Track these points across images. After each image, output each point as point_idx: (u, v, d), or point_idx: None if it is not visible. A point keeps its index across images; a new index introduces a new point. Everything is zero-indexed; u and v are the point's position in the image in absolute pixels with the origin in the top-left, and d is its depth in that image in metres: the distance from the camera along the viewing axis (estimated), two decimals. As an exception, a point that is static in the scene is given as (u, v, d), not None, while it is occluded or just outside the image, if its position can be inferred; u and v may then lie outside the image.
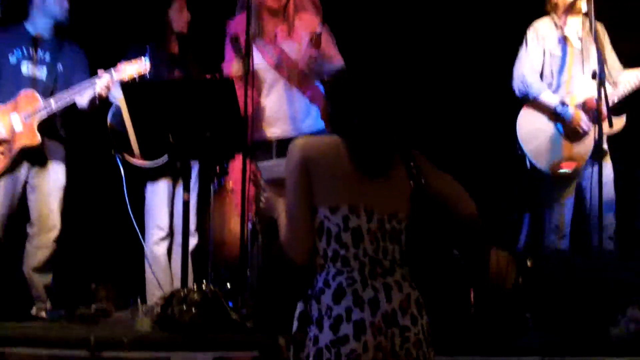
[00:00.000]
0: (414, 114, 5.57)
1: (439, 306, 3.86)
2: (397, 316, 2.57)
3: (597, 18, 4.89)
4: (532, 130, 5.11)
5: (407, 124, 2.97)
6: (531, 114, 5.13)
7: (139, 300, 4.37)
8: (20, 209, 4.92)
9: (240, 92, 4.30)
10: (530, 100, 5.12)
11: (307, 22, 4.79)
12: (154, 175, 4.99)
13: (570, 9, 5.10)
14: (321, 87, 4.41)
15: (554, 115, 5.07)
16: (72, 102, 4.81)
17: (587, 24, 5.00)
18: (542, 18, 5.21)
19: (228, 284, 4.77)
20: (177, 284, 4.58)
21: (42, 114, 4.77)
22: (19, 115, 4.77)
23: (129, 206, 4.80)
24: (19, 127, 4.76)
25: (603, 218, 4.73)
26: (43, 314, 4.65)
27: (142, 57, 4.75)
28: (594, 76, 4.70)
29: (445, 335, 3.83)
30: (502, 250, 2.98)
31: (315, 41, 4.64)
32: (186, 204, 4.30)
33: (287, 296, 2.77)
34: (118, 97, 4.78)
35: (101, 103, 4.87)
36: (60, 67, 4.94)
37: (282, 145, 2.80)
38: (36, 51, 4.92)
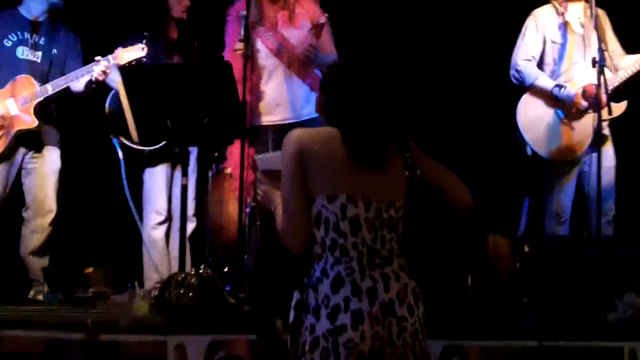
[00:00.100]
0: (414, 102, 5.59)
1: (436, 291, 3.88)
2: (394, 306, 2.57)
3: (598, 4, 4.88)
4: (532, 117, 5.11)
5: (406, 113, 2.97)
6: (531, 101, 5.12)
7: (136, 284, 4.37)
8: (14, 193, 4.92)
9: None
10: (528, 88, 5.12)
11: (309, 10, 4.81)
12: (153, 159, 4.99)
13: (572, -6, 5.10)
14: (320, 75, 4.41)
15: (554, 101, 5.06)
16: (68, 87, 4.81)
17: (589, 10, 4.99)
18: (543, 6, 5.20)
19: (225, 268, 4.78)
20: (175, 268, 4.59)
21: (39, 99, 4.77)
22: (15, 100, 4.77)
23: (127, 190, 4.80)
24: (15, 111, 4.76)
25: (603, 204, 4.75)
26: (40, 297, 4.67)
27: (140, 44, 4.75)
28: (594, 63, 4.69)
29: (443, 319, 3.85)
30: (500, 236, 2.98)
31: (316, 32, 4.65)
32: (184, 189, 4.30)
33: (284, 281, 2.77)
34: (117, 82, 4.78)
35: (99, 88, 4.87)
36: (55, 51, 4.95)
37: (281, 132, 2.79)
38: (31, 35, 4.92)
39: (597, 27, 4.83)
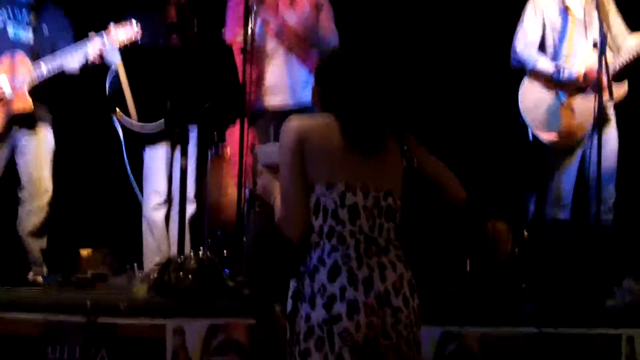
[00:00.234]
0: (413, 90, 5.58)
1: (433, 278, 3.89)
2: (390, 296, 2.58)
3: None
4: (534, 101, 5.11)
5: (403, 101, 2.97)
6: (532, 85, 5.12)
7: (135, 266, 4.37)
8: (9, 173, 4.89)
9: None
10: (529, 72, 5.11)
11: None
12: (153, 140, 4.97)
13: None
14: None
15: (555, 84, 5.05)
16: (62, 67, 4.78)
17: (590, -8, 4.97)
18: None
19: (224, 251, 4.77)
20: (175, 250, 4.59)
21: (34, 79, 4.74)
22: (8, 80, 4.74)
23: (129, 169, 4.79)
24: (8, 91, 4.73)
25: (603, 189, 4.76)
26: (39, 279, 4.67)
27: (133, 21, 4.72)
28: (595, 45, 4.67)
29: (441, 306, 3.86)
30: (500, 222, 2.99)
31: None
32: (183, 170, 4.29)
33: (282, 265, 2.77)
34: (117, 63, 4.76)
35: (99, 67, 4.84)
36: (45, 29, 4.90)
37: (282, 119, 2.78)
38: (22, 15, 4.88)
39: (599, 9, 4.80)
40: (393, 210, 2.66)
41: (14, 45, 4.81)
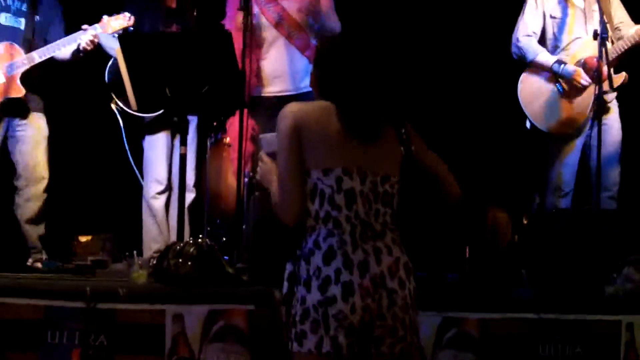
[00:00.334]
0: (418, 77, 5.59)
1: (433, 264, 3.89)
2: (385, 279, 2.59)
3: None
4: (533, 92, 5.13)
5: (402, 88, 2.96)
6: (532, 77, 5.15)
7: (135, 252, 4.37)
8: (6, 163, 4.90)
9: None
10: (529, 64, 5.13)
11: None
12: (153, 128, 4.98)
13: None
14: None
15: (554, 76, 5.06)
16: (54, 54, 4.79)
17: (592, -18, 4.97)
18: None
19: (224, 238, 4.78)
20: (174, 237, 4.59)
21: (25, 67, 4.73)
22: (0, 68, 4.73)
23: (130, 156, 4.79)
24: (1, 79, 4.73)
25: (606, 179, 4.81)
26: (39, 265, 4.67)
27: (126, 12, 4.73)
28: (595, 36, 4.67)
29: (441, 292, 3.86)
30: (500, 209, 2.99)
31: None
32: (183, 158, 4.29)
33: (281, 251, 2.77)
34: (116, 50, 4.75)
35: (99, 55, 4.84)
36: (37, 17, 4.90)
37: (281, 105, 2.79)
38: (13, 1, 4.87)
39: (600, 0, 4.79)
40: (390, 195, 2.67)
41: (6, 33, 4.81)
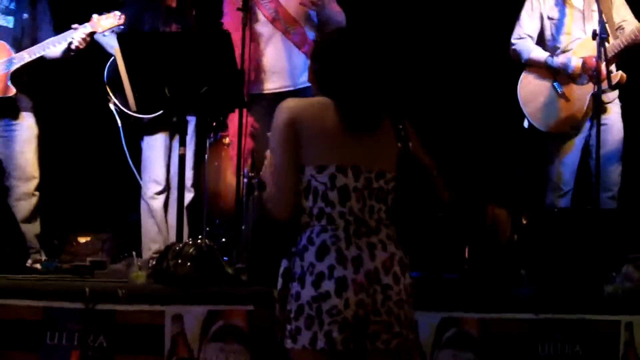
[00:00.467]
0: (417, 76, 5.58)
1: (431, 263, 3.89)
2: (379, 274, 2.59)
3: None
4: (531, 91, 5.14)
5: (399, 83, 2.96)
6: (530, 76, 5.18)
7: (134, 253, 4.37)
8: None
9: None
10: (526, 63, 5.16)
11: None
12: (152, 128, 4.97)
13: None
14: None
15: (551, 73, 5.06)
16: (44, 53, 4.77)
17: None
18: None
19: (223, 238, 4.77)
20: (174, 237, 4.58)
21: (15, 66, 4.72)
22: None
23: (128, 157, 4.78)
24: None
25: (607, 178, 4.83)
26: (38, 265, 4.66)
27: (117, 11, 4.72)
28: (594, 36, 4.66)
29: (440, 291, 3.86)
30: (499, 208, 2.99)
31: None
32: (182, 158, 4.29)
33: (281, 250, 2.77)
34: (115, 49, 4.75)
35: (99, 54, 4.84)
36: (25, 16, 4.88)
37: (280, 101, 2.79)
38: (1, 0, 4.85)
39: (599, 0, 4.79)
40: (385, 191, 2.67)
41: None
